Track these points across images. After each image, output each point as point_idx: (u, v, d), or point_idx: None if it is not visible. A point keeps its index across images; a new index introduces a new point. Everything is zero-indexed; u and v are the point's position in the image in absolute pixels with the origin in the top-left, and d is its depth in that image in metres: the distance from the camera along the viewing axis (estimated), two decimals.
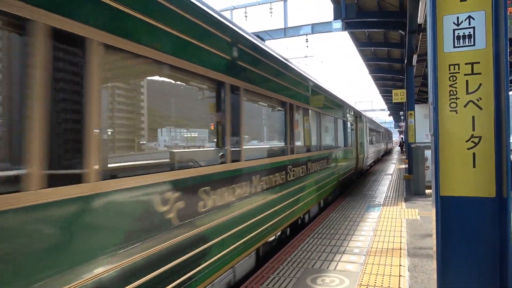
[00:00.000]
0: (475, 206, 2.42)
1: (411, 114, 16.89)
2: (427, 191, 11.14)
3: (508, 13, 2.39)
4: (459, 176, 2.47)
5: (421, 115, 18.28)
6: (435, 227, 2.54)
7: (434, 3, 2.55)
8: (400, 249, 5.59)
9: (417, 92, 27.67)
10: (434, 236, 2.57)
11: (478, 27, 2.45)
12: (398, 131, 69.90)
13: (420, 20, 11.51)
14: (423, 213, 8.26)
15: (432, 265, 4.90)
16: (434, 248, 2.60)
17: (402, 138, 49.39)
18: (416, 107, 17.68)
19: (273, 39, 17.94)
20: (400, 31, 15.41)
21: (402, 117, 40.88)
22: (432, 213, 2.63)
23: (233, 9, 17.34)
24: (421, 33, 13.69)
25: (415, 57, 15.71)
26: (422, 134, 18.40)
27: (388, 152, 42.85)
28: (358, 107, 25.34)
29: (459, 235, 2.48)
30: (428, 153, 11.34)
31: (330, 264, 5.04)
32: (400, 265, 4.90)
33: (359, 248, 5.71)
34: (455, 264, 2.50)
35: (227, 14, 16.90)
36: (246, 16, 17.34)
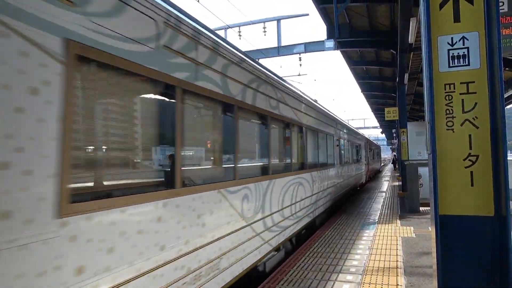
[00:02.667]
0: (475, 225, 2.41)
1: (403, 131, 17.04)
2: (421, 208, 11.14)
3: (501, 34, 2.43)
4: (457, 195, 2.46)
5: (413, 132, 18.43)
6: (435, 246, 2.51)
7: (428, 24, 2.59)
8: (397, 267, 5.54)
9: (409, 110, 28.00)
10: (434, 255, 2.55)
11: (472, 47, 2.49)
12: (391, 148, 70.39)
13: (411, 39, 11.73)
14: (418, 231, 8.23)
15: (430, 284, 4.85)
16: (434, 267, 2.57)
17: (395, 155, 49.76)
18: (408, 124, 17.86)
19: (267, 57, 18.13)
20: (391, 50, 15.69)
21: (394, 135, 41.30)
22: (431, 232, 2.61)
23: (227, 28, 17.55)
24: (412, 52, 13.94)
25: (406, 76, 15.95)
26: (415, 151, 18.50)
27: (372, 177, 30.04)
28: (353, 125, 24.23)
29: (458, 254, 2.46)
30: (421, 170, 11.39)
31: (327, 284, 4.96)
32: (397, 285, 4.84)
33: (355, 267, 5.64)
34: (456, 283, 2.47)
35: (221, 33, 17.10)
36: (240, 35, 17.55)
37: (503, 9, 7.56)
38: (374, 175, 32.26)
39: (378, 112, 39.15)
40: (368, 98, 32.83)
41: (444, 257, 2.46)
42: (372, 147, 30.52)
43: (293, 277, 5.24)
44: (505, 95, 18.02)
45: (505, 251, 2.30)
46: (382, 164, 54.18)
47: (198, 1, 10.64)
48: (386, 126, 50.69)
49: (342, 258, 6.14)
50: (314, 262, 5.96)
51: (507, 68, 14.69)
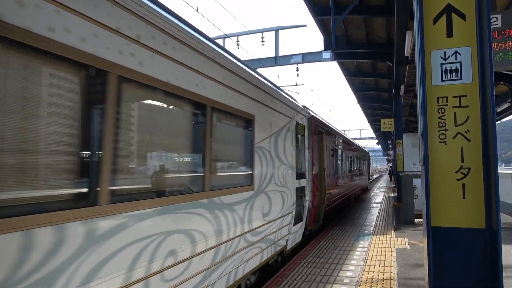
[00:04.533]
0: (466, 237, 2.43)
1: (399, 143, 17.13)
2: (416, 220, 11.15)
3: (492, 49, 2.49)
4: (449, 207, 2.49)
5: (409, 144, 18.52)
6: (427, 258, 2.53)
7: (422, 39, 2.64)
8: (391, 279, 5.53)
9: (405, 122, 28.18)
10: (426, 267, 2.56)
11: (465, 62, 2.54)
12: (387, 159, 70.59)
13: (407, 52, 11.88)
14: (412, 243, 8.23)
15: None
16: (426, 279, 2.58)
17: (390, 166, 49.90)
18: (404, 136, 17.96)
19: (265, 67, 18.26)
20: (388, 62, 15.87)
21: (390, 146, 41.45)
22: (424, 243, 2.62)
23: (226, 37, 17.69)
24: (408, 65, 14.10)
25: (402, 88, 16.10)
26: (411, 162, 18.58)
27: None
28: (349, 136, 23.80)
29: (450, 266, 2.48)
30: (416, 182, 11.43)
31: None
32: None
33: (349, 278, 5.63)
34: None
35: (219, 42, 17.23)
36: (238, 45, 17.68)
37: (497, 24, 7.69)
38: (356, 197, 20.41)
39: (374, 123, 39.40)
40: (365, 109, 33.07)
41: (436, 269, 2.47)
42: (351, 151, 18.08)
43: (287, 287, 5.22)
44: (500, 109, 18.20)
45: (496, 263, 2.32)
46: (372, 177, 47.69)
47: (197, 10, 10.75)
48: (382, 137, 50.95)
49: (336, 269, 6.12)
50: (308, 272, 5.94)
51: (501, 82, 14.87)
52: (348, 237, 8.82)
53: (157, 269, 3.10)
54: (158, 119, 3.37)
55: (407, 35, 10.53)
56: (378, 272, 5.90)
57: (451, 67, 2.57)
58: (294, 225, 7.21)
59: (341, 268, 6.14)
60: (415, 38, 2.73)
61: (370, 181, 37.00)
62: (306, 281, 5.48)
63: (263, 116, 5.60)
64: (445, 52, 2.59)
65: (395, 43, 12.04)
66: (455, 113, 2.54)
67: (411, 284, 5.42)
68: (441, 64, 2.59)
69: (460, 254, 2.45)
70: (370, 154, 35.69)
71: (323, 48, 14.73)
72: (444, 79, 2.58)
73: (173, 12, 3.69)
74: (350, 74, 20.73)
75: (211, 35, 16.51)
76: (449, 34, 2.59)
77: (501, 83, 15.06)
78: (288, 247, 6.95)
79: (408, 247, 7.81)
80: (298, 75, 19.42)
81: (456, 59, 2.56)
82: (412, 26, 9.73)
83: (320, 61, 17.61)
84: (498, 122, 25.69)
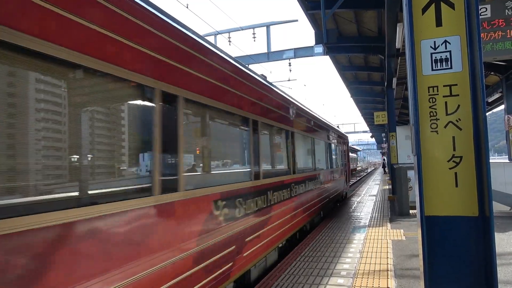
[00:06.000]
0: (460, 225, 2.44)
1: (392, 135, 17.22)
2: (411, 211, 11.22)
3: (482, 39, 2.49)
4: (442, 196, 2.50)
5: (402, 136, 18.65)
6: (421, 247, 2.54)
7: (411, 29, 2.64)
8: (387, 270, 5.56)
9: (398, 114, 28.35)
10: (421, 256, 2.57)
11: (454, 51, 2.55)
12: (381, 152, 70.99)
13: (398, 45, 11.92)
14: (408, 234, 8.28)
15: (419, 286, 4.88)
16: (421, 269, 2.60)
17: (384, 159, 50.23)
18: (398, 128, 18.06)
19: (257, 63, 18.22)
20: (379, 55, 15.90)
21: (384, 139, 41.67)
22: (417, 233, 2.63)
23: (217, 34, 17.61)
24: (399, 57, 14.16)
25: (394, 80, 16.17)
26: (405, 155, 18.70)
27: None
28: (342, 130, 19.69)
29: (445, 254, 2.49)
30: (411, 174, 11.50)
31: (318, 287, 4.96)
32: (387, 287, 4.86)
33: (346, 270, 5.66)
34: (442, 283, 2.50)
35: (211, 39, 17.15)
36: (229, 41, 17.61)
37: (486, 14, 7.72)
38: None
39: (368, 116, 39.53)
40: (358, 102, 33.14)
41: (430, 257, 2.49)
42: (311, 129, 10.04)
43: (284, 282, 5.23)
44: (491, 99, 18.34)
45: (489, 250, 2.34)
46: (367, 170, 38.38)
47: (187, 7, 10.68)
48: (376, 130, 51.18)
49: (333, 261, 6.15)
50: (305, 266, 5.96)
51: (492, 72, 14.98)
52: (344, 230, 8.86)
53: None
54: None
55: (397, 28, 10.56)
56: (375, 263, 5.94)
57: (441, 56, 2.57)
58: None
59: (338, 261, 6.16)
60: (405, 28, 2.72)
61: (350, 183, 22.63)
62: (304, 275, 5.50)
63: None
64: (434, 42, 2.60)
65: (386, 36, 12.06)
66: (446, 102, 2.54)
67: (408, 274, 5.46)
68: (431, 54, 2.59)
69: (454, 242, 2.47)
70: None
71: (314, 43, 14.73)
72: (434, 68, 2.58)
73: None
74: (343, 68, 20.75)
75: (202, 32, 16.43)
76: (438, 23, 2.59)
77: (492, 73, 15.17)
78: None
79: (403, 238, 7.87)
80: (290, 70, 19.40)
81: (445, 48, 2.57)
82: (402, 18, 9.77)
83: (312, 55, 17.60)
84: (490, 112, 25.91)
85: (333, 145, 13.47)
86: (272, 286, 5.08)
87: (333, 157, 13.46)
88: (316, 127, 10.57)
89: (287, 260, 6.37)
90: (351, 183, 31.18)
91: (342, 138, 16.22)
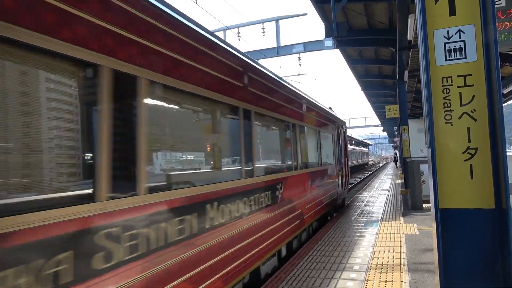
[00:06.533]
0: (475, 218, 2.40)
1: (404, 129, 17.02)
2: (424, 205, 11.10)
3: (497, 26, 2.43)
4: (457, 188, 2.45)
5: (415, 129, 18.42)
6: (435, 240, 2.50)
7: (424, 18, 2.59)
8: (400, 264, 5.52)
9: (410, 107, 27.96)
10: (435, 250, 2.54)
11: (469, 40, 2.49)
12: (393, 146, 70.32)
13: (409, 36, 11.72)
14: (421, 228, 8.20)
15: (434, 280, 4.83)
16: (436, 263, 2.56)
17: (396, 153, 49.73)
18: (410, 122, 17.85)
19: (266, 58, 18.15)
20: (390, 48, 15.69)
21: (396, 133, 41.22)
22: (432, 226, 2.60)
23: (226, 29, 17.59)
24: (411, 50, 13.94)
25: (406, 73, 15.94)
26: (417, 148, 18.47)
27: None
28: (352, 124, 19.87)
29: (460, 248, 2.45)
30: (423, 167, 11.35)
31: (330, 282, 4.95)
32: (401, 281, 4.82)
33: (359, 264, 5.63)
34: (458, 277, 2.46)
35: (220, 34, 17.13)
36: (239, 36, 17.58)
37: (501, 3, 7.54)
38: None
39: (379, 110, 39.13)
40: (369, 96, 32.81)
41: (445, 251, 2.45)
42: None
43: (296, 276, 5.23)
44: (506, 90, 17.95)
45: (506, 243, 2.29)
46: (379, 164, 32.53)
47: (195, 2, 10.67)
48: (388, 124, 50.64)
49: (345, 256, 6.12)
50: (317, 260, 5.95)
51: (507, 64, 14.65)
52: (356, 225, 8.82)
53: None
54: None
55: (409, 19, 10.37)
56: (388, 258, 5.90)
57: (454, 46, 2.52)
58: None
59: (350, 255, 6.14)
60: (417, 18, 2.67)
61: (349, 184, 16.08)
62: (316, 269, 5.49)
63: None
64: (448, 31, 2.54)
65: (397, 28, 11.88)
66: (460, 93, 2.49)
67: (421, 269, 5.41)
68: (445, 44, 2.54)
69: (469, 235, 2.43)
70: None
71: (324, 37, 14.60)
72: (448, 58, 2.53)
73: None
74: (353, 61, 20.53)
75: (211, 28, 16.41)
76: (452, 12, 2.53)
77: (507, 64, 14.84)
78: None
79: (417, 232, 7.79)
80: (300, 64, 19.30)
81: (459, 37, 2.51)
82: (414, 8, 9.59)
83: (322, 49, 17.48)
84: (505, 104, 25.39)
85: (318, 133, 9.39)
86: (284, 280, 5.09)
87: (319, 150, 9.42)
88: (282, 102, 6.54)
89: (299, 255, 6.37)
90: (358, 179, 30.49)
91: (334, 123, 11.67)
